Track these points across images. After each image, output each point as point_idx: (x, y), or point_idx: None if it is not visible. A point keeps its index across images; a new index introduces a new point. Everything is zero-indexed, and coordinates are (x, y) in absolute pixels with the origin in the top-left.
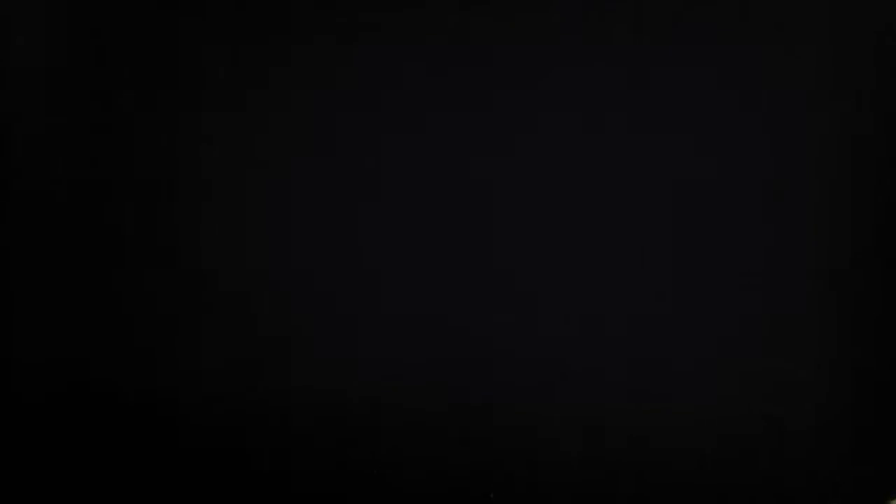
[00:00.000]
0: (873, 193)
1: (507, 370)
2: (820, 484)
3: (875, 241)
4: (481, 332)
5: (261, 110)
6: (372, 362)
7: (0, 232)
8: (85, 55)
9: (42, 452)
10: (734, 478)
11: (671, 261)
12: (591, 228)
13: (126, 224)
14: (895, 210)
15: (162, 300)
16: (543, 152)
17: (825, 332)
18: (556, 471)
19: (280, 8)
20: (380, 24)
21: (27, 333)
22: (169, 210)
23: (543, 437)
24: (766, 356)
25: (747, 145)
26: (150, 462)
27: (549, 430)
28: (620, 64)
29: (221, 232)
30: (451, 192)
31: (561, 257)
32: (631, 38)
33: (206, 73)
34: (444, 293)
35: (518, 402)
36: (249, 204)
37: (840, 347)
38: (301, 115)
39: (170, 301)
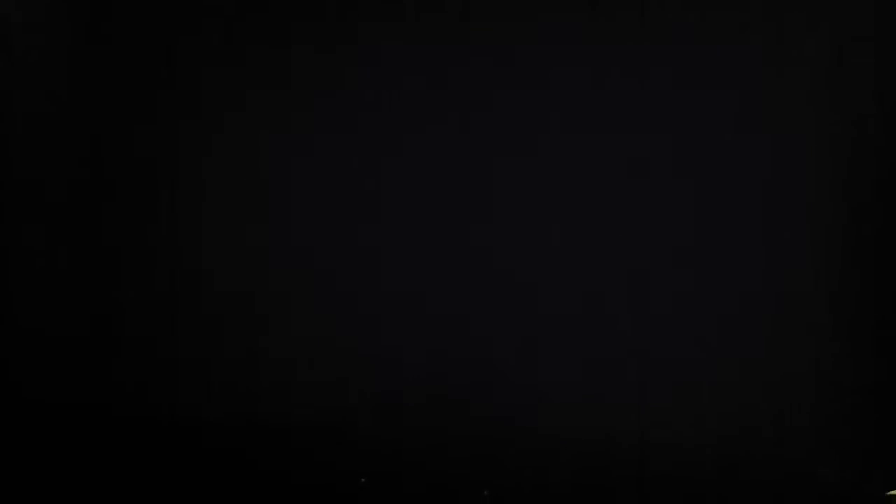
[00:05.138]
0: (873, 193)
1: (506, 368)
2: (819, 482)
3: (875, 242)
4: (483, 330)
5: (261, 110)
6: (373, 356)
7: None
8: (85, 55)
9: (41, 450)
10: (734, 477)
11: (672, 261)
12: (591, 229)
13: (126, 224)
14: (895, 210)
15: (161, 300)
16: (545, 152)
17: (825, 331)
18: (555, 467)
19: (280, 9)
20: (380, 26)
21: (27, 332)
22: (169, 210)
23: (544, 433)
24: (766, 356)
25: (747, 146)
26: (148, 460)
27: (549, 427)
28: (623, 65)
29: (221, 232)
30: (452, 190)
31: (562, 257)
32: (632, 38)
33: (207, 74)
34: (446, 291)
35: (517, 401)
36: (249, 203)
37: (840, 347)
38: (301, 115)
39: (169, 300)
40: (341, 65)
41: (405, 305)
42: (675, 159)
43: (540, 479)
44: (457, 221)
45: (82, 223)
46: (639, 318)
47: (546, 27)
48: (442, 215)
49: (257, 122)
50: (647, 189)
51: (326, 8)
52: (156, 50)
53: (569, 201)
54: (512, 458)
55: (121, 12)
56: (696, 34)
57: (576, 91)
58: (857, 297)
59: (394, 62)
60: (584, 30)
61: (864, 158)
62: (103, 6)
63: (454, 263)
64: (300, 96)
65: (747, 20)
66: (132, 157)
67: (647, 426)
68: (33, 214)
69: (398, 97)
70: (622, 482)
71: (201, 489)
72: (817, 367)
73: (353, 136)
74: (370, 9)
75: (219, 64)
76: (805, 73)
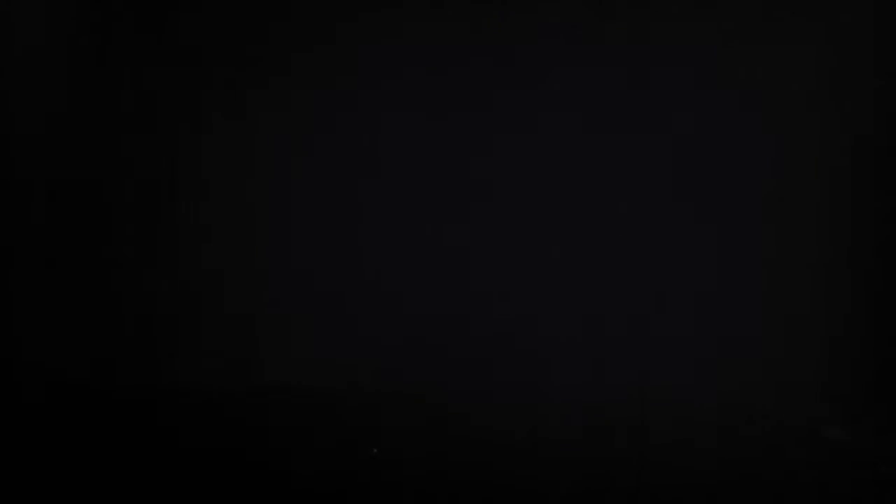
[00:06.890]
0: (873, 193)
1: (507, 368)
2: (818, 479)
3: (875, 241)
4: (483, 330)
5: (261, 110)
6: (371, 357)
7: (0, 231)
8: (85, 56)
9: (42, 449)
10: (734, 477)
11: (671, 261)
12: (590, 229)
13: (126, 224)
14: (895, 210)
15: (162, 300)
16: (543, 153)
17: (825, 332)
18: (556, 467)
19: (280, 9)
20: (379, 25)
21: (27, 332)
22: (169, 210)
23: (544, 434)
24: (766, 356)
25: (747, 145)
26: (149, 459)
27: (550, 427)
28: (620, 64)
29: (221, 232)
30: (451, 191)
31: (561, 258)
32: (631, 38)
33: (207, 74)
34: (445, 291)
35: (518, 401)
36: (249, 204)
37: (840, 347)
38: (301, 115)
39: (170, 300)
40: (341, 65)
41: (405, 305)
42: (675, 159)
43: (538, 478)
44: (456, 221)
45: (82, 223)
46: (638, 318)
47: (546, 27)
48: (442, 215)
49: (257, 122)
50: (647, 189)
51: (326, 8)
52: (156, 50)
53: (569, 201)
54: (511, 458)
55: (121, 12)
56: (697, 34)
57: (576, 91)
58: (858, 298)
59: (394, 62)
60: (584, 30)
61: (864, 159)
62: (104, 6)
63: (454, 263)
64: (300, 96)
65: (747, 21)
66: (132, 158)
67: (647, 425)
68: (32, 214)
69: (398, 97)
70: (621, 480)
71: (197, 484)
72: (817, 367)
73: (353, 136)
74: (370, 9)
75: (219, 64)
76: (805, 73)
